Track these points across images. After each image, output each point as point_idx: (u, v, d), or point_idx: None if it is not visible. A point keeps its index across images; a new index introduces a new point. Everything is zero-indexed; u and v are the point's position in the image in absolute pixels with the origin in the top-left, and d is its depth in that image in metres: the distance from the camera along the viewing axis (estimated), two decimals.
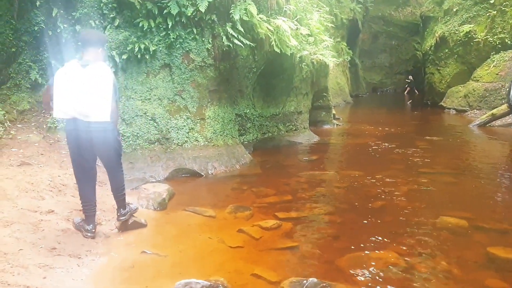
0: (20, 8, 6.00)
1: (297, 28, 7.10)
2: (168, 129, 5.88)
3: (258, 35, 6.27)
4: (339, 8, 15.78)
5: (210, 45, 5.92)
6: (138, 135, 5.72)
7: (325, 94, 10.18)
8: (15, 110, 6.43)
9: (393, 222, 4.32)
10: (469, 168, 6.67)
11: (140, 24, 5.56)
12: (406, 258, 3.47)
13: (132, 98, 5.71)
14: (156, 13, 5.53)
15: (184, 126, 5.98)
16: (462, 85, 15.07)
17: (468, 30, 15.05)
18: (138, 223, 3.86)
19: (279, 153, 7.67)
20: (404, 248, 3.70)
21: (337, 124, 11.14)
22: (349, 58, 18.49)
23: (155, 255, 3.36)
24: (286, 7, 6.82)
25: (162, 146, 5.85)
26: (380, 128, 10.76)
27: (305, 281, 2.96)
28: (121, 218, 3.72)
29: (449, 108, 15.16)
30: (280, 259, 3.48)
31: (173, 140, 5.89)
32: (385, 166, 6.77)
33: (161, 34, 5.69)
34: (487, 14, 14.67)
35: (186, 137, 5.99)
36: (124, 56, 5.57)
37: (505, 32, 14.09)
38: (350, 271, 3.27)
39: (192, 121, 6.03)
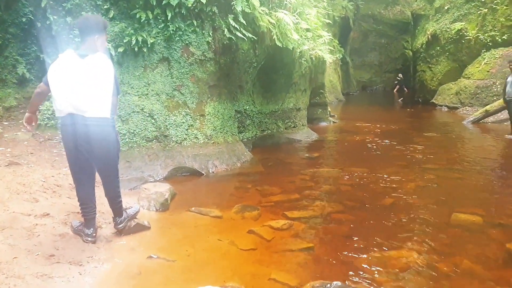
0: None
1: (297, 22, 6.89)
2: (167, 126, 5.61)
3: (259, 28, 6.04)
4: (331, 6, 15.62)
5: (210, 38, 5.67)
6: (135, 132, 5.43)
7: (321, 91, 10.01)
8: (1, 107, 6.10)
9: (405, 220, 4.16)
10: (471, 164, 6.57)
11: (137, 16, 5.28)
12: (426, 257, 3.31)
13: (129, 93, 5.43)
14: (154, 4, 5.25)
15: (183, 122, 5.72)
16: (453, 83, 15.12)
17: (459, 28, 15.10)
18: (141, 225, 3.60)
19: (279, 150, 7.46)
20: (422, 247, 3.54)
21: (333, 121, 10.99)
22: (341, 56, 18.39)
23: (162, 260, 3.11)
24: (286, 0, 6.60)
25: (160, 144, 5.58)
26: (377, 125, 10.65)
27: (328, 285, 2.76)
28: (119, 226, 3.44)
29: (441, 105, 15.19)
30: (296, 261, 3.26)
31: (172, 137, 5.63)
32: (388, 162, 6.63)
33: (159, 26, 5.42)
34: (478, 12, 14.73)
35: (185, 134, 5.73)
36: (120, 49, 5.28)
37: (495, 30, 14.14)
38: (371, 272, 3.08)
39: (191, 117, 5.78)
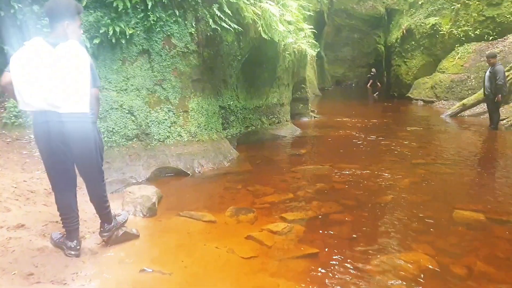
0: None
1: (282, 13, 6.62)
2: (148, 123, 5.23)
3: (244, 19, 5.74)
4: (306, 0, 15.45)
5: (193, 29, 5.32)
6: (114, 130, 5.03)
7: (303, 85, 9.81)
8: None
9: (407, 219, 3.99)
10: (459, 158, 6.53)
11: (114, 4, 4.85)
12: (438, 260, 3.13)
13: (106, 88, 5.01)
14: None
15: (166, 119, 5.35)
16: (428, 77, 15.32)
17: (433, 23, 15.29)
18: (129, 234, 3.24)
19: (264, 147, 7.19)
20: (430, 248, 3.36)
21: (314, 117, 10.83)
22: (318, 50, 18.28)
23: (157, 274, 2.78)
24: None
25: (141, 143, 5.20)
26: (358, 120, 10.57)
27: None
28: (105, 234, 3.08)
29: (417, 99, 15.36)
30: (302, 269, 3.01)
31: (154, 135, 5.26)
32: (377, 158, 6.50)
33: (138, 16, 5.02)
34: (452, 7, 14.95)
35: (168, 132, 5.37)
36: (96, 41, 4.85)
37: (468, 25, 14.40)
38: (385, 278, 2.87)
39: (174, 114, 5.41)
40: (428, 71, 15.54)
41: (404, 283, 2.81)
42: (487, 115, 9.74)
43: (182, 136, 5.47)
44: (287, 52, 7.52)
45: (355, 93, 23.37)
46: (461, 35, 14.46)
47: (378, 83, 24.18)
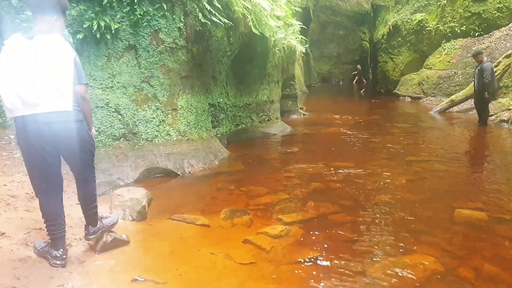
0: None
1: (272, 8, 6.45)
2: (135, 122, 5.02)
3: (234, 13, 5.56)
4: None
5: (182, 24, 5.11)
6: (100, 130, 4.81)
7: (292, 82, 9.67)
8: None
9: (407, 219, 3.87)
10: (452, 155, 6.47)
11: None
12: (443, 262, 3.02)
13: (91, 86, 4.78)
14: None
15: (154, 118, 5.15)
16: (415, 73, 15.36)
17: (420, 19, 15.32)
18: (118, 240, 3.04)
19: (256, 146, 7.03)
20: (434, 249, 3.24)
21: (303, 114, 10.71)
22: (306, 47, 18.18)
23: (151, 283, 2.59)
24: None
25: (129, 143, 4.99)
26: (348, 117, 10.49)
27: None
28: (90, 237, 2.89)
29: (404, 96, 15.40)
30: (305, 275, 2.85)
31: (141, 135, 5.05)
32: (370, 156, 6.41)
33: (124, 10, 4.79)
34: (438, 3, 14.99)
35: (156, 131, 5.17)
36: (80, 36, 4.62)
37: (454, 21, 14.45)
38: (391, 284, 2.74)
39: (162, 112, 5.21)
40: (415, 68, 15.59)
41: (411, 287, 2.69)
42: (475, 111, 9.77)
43: (171, 135, 5.27)
44: (277, 48, 7.37)
45: (341, 90, 23.40)
46: (448, 31, 14.51)
47: (364, 80, 24.24)
